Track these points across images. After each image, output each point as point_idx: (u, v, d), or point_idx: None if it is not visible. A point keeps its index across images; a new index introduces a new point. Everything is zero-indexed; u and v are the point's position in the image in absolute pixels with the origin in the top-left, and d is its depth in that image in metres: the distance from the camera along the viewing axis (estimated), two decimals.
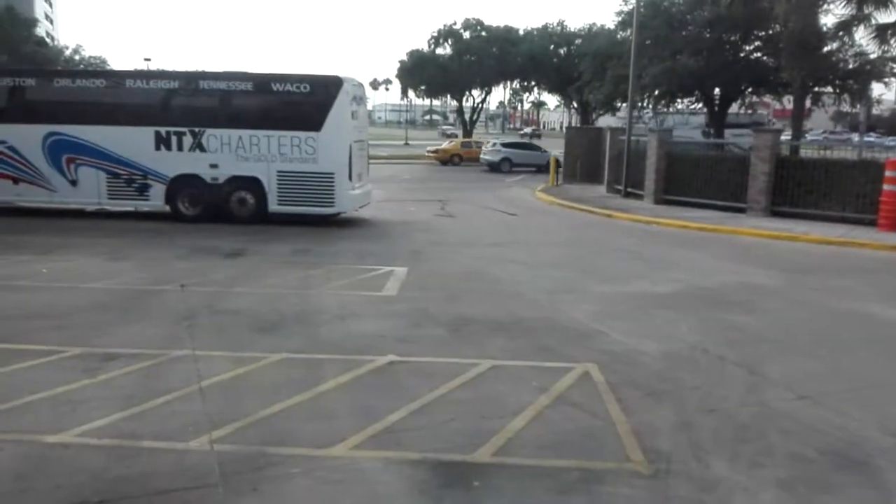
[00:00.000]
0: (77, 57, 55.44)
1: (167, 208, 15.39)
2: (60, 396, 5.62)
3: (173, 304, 8.60)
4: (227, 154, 14.96)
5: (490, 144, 38.25)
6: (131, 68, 28.05)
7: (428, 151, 42.53)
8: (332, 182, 14.78)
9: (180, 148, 15.05)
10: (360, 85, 16.37)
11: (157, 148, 15.08)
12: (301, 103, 14.97)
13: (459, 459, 4.70)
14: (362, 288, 9.67)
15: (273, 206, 15.04)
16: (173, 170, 15.12)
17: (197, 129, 14.98)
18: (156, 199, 15.34)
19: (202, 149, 15.01)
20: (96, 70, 40.50)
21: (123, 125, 15.09)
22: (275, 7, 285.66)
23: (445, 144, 42.46)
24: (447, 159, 39.84)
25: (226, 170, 15.02)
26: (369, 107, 61.76)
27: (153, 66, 52.55)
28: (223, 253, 12.06)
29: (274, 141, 14.81)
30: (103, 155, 15.15)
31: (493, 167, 34.97)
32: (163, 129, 15.04)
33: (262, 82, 15.12)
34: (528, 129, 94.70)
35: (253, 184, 15.00)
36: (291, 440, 4.93)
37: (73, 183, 15.35)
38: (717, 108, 30.80)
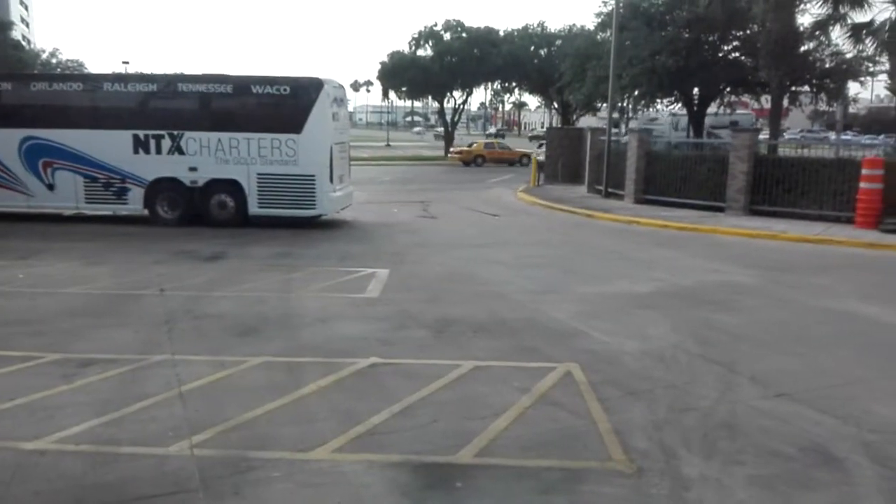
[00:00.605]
0: (54, 60, 54.79)
1: (146, 212, 15.25)
2: (37, 403, 5.55)
3: (152, 308, 8.53)
4: (206, 157, 14.86)
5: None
6: (109, 71, 27.76)
7: (451, 152, 43.85)
8: (313, 184, 14.72)
9: (159, 151, 14.93)
10: (341, 87, 16.33)
11: (136, 151, 14.95)
12: (281, 105, 14.89)
13: (442, 461, 4.69)
14: (344, 290, 9.64)
15: (253, 208, 14.96)
16: (152, 173, 14.99)
17: (175, 132, 14.87)
18: (134, 203, 15.20)
19: (181, 152, 14.90)
20: (73, 73, 40.07)
21: (101, 129, 14.95)
22: (255, 9, 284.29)
23: (469, 146, 43.86)
24: (471, 160, 40.93)
25: (205, 173, 14.91)
26: (350, 108, 61.59)
27: (131, 70, 52.15)
28: (203, 256, 11.97)
29: (254, 143, 14.73)
30: (80, 159, 15.00)
31: None
32: (141, 133, 14.91)
33: (242, 84, 15.03)
34: (492, 130, 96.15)
35: (233, 187, 14.91)
36: (272, 444, 4.90)
37: (51, 187, 15.19)
38: (695, 108, 31.05)
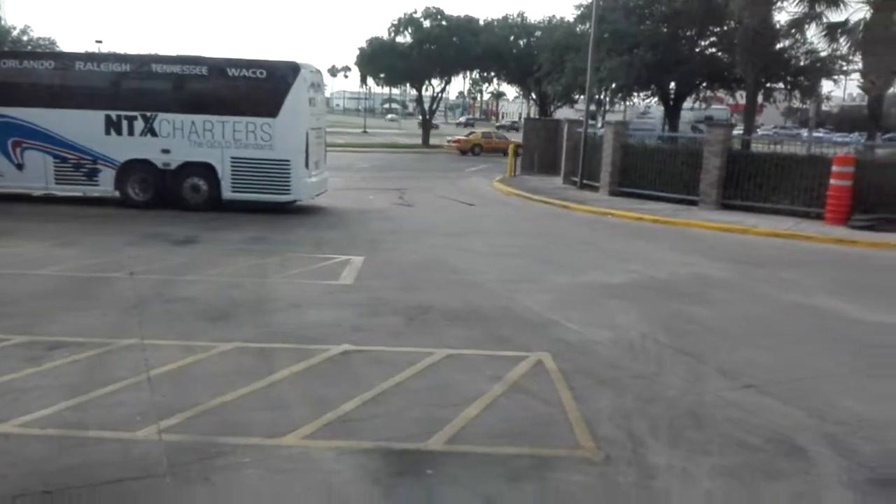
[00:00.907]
0: (25, 38, 53.57)
1: (117, 194, 15.03)
2: (3, 385, 5.46)
3: (122, 291, 8.42)
4: (179, 139, 14.66)
5: None
6: (82, 50, 27.24)
7: (448, 141, 44.44)
8: (288, 169, 14.60)
9: (131, 132, 14.70)
10: (318, 72, 16.19)
11: (108, 132, 14.71)
12: (257, 89, 14.72)
13: (413, 448, 4.70)
14: (318, 276, 9.60)
15: (227, 193, 14.80)
16: (124, 155, 14.75)
17: (148, 114, 14.64)
18: (105, 185, 14.97)
19: (154, 133, 14.68)
20: (45, 52, 39.30)
21: (72, 108, 14.67)
22: None
23: (468, 136, 44.54)
24: (468, 149, 41.45)
25: (178, 155, 14.72)
26: (327, 94, 61.03)
27: (104, 49, 51.23)
28: (175, 240, 11.84)
29: (228, 126, 14.56)
30: (51, 139, 14.73)
31: None
32: (113, 113, 14.66)
33: (217, 67, 14.82)
34: (462, 119, 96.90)
35: (206, 170, 14.73)
36: (243, 430, 4.87)
37: (20, 167, 14.89)
38: (672, 103, 31.30)
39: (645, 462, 4.63)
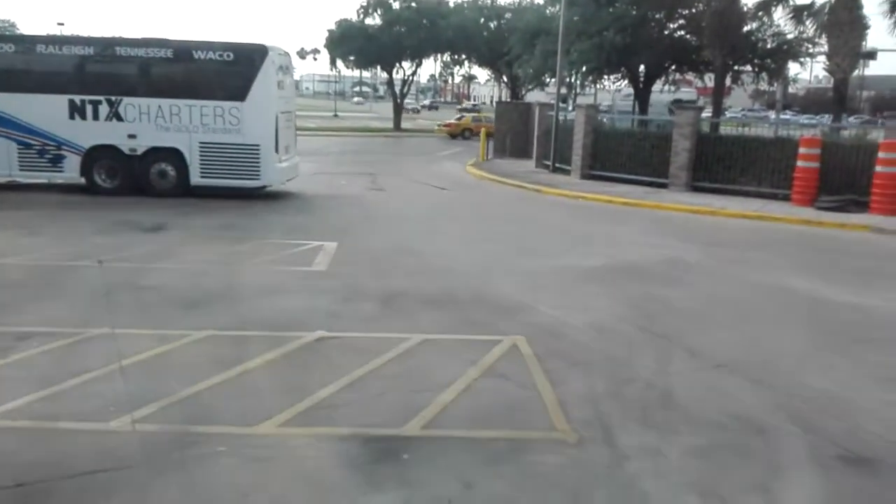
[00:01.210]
0: None
1: (83, 180, 14.74)
2: None
3: (91, 280, 8.29)
4: (145, 124, 14.41)
5: None
6: (43, 33, 26.59)
7: (439, 125, 45.05)
8: (258, 154, 14.44)
9: (96, 117, 14.40)
10: (287, 54, 15.98)
11: (72, 117, 14.39)
12: (224, 72, 14.50)
13: (389, 433, 4.72)
14: (291, 263, 9.53)
15: (196, 178, 14.60)
16: (89, 140, 14.46)
17: (114, 98, 14.35)
18: (70, 171, 14.67)
19: (119, 118, 14.40)
20: (5, 34, 38.24)
21: (35, 93, 14.33)
22: None
23: (457, 119, 45.02)
24: (458, 133, 41.84)
25: (145, 140, 14.47)
26: (297, 77, 60.37)
27: (67, 31, 50.01)
28: (144, 227, 11.66)
29: (196, 111, 14.33)
30: (13, 124, 14.37)
31: None
32: (77, 98, 14.34)
33: (183, 49, 14.55)
34: (426, 102, 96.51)
35: (174, 155, 14.50)
36: (217, 418, 4.85)
37: None
38: (641, 86, 31.45)
39: (618, 442, 4.70)
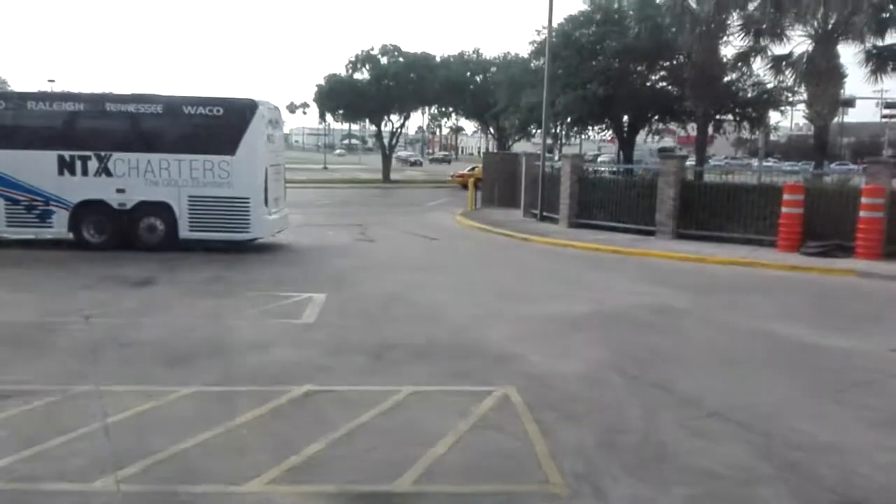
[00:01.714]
0: None
1: (71, 236, 14.69)
2: None
3: (77, 337, 8.20)
4: (134, 178, 14.45)
5: None
6: (34, 90, 26.76)
7: (451, 176, 46.05)
8: (248, 207, 14.48)
9: (85, 173, 14.43)
10: (276, 108, 16.18)
11: (61, 173, 14.42)
12: (214, 126, 14.63)
13: (379, 490, 4.64)
14: (279, 315, 9.47)
15: (184, 232, 14.59)
16: (77, 195, 14.46)
17: (103, 153, 14.41)
18: (59, 227, 14.62)
19: (108, 173, 14.44)
20: None
21: (24, 149, 14.37)
22: (189, 29, 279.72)
23: (471, 170, 44.76)
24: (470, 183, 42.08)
25: (134, 195, 14.49)
26: (286, 130, 60.92)
27: (57, 88, 50.40)
28: (131, 282, 11.60)
29: (185, 165, 14.41)
30: (1, 180, 14.38)
31: None
32: (66, 153, 14.39)
33: (173, 105, 14.71)
34: (404, 153, 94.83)
35: (163, 209, 14.52)
36: (204, 477, 4.75)
37: None
38: (625, 135, 31.98)
39: (613, 494, 4.63)
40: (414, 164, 76.96)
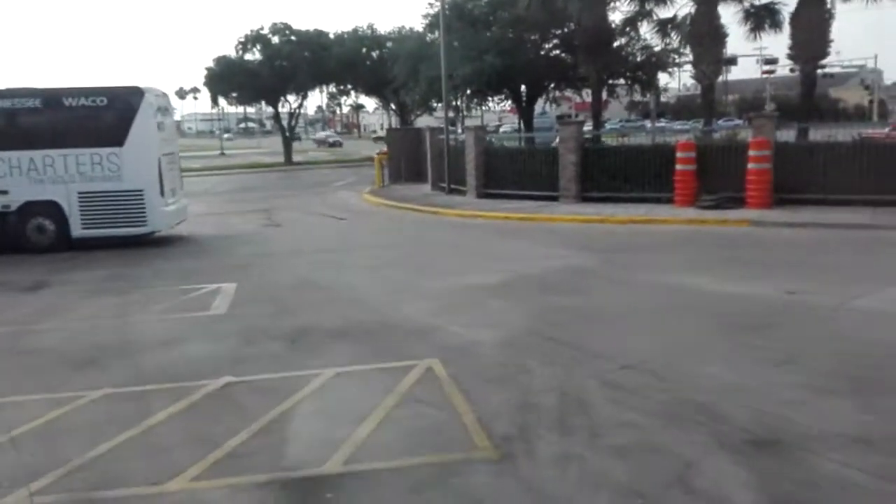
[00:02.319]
0: None
1: None
2: None
3: None
4: (17, 178, 13.58)
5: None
6: None
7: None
8: (142, 199, 13.86)
9: None
10: (165, 95, 15.50)
11: None
12: (99, 118, 13.90)
13: (310, 474, 4.57)
14: (188, 309, 9.15)
15: (77, 230, 13.84)
16: None
17: None
18: None
19: None
20: None
21: None
22: (69, 18, 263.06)
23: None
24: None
25: (18, 195, 13.62)
26: (177, 117, 58.51)
27: None
28: (22, 287, 10.93)
29: (71, 160, 13.63)
30: None
31: None
32: None
33: (53, 97, 13.84)
34: (323, 134, 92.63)
35: (51, 208, 13.72)
36: (123, 481, 4.56)
37: None
38: (524, 105, 32.41)
39: (541, 453, 4.74)
40: (333, 144, 75.60)
